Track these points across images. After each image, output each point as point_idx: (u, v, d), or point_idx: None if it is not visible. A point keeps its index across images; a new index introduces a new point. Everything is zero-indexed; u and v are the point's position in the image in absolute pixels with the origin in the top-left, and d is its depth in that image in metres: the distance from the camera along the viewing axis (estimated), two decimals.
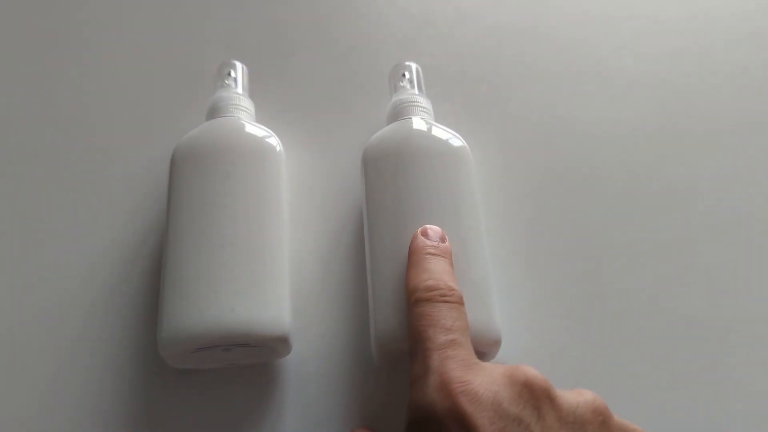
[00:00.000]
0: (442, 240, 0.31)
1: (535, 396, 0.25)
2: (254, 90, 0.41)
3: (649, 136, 0.42)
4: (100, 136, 0.42)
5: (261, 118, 0.40)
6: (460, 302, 0.29)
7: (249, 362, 0.34)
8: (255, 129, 0.36)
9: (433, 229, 0.31)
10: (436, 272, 0.29)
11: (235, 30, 0.47)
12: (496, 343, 0.31)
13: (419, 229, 0.32)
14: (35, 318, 0.36)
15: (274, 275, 0.32)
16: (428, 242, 0.31)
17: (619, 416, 0.27)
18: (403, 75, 0.39)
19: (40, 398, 0.34)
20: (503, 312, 0.34)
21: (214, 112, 0.38)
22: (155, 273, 0.37)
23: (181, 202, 0.34)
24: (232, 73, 0.40)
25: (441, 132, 0.36)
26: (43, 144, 0.42)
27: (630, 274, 0.38)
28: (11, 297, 0.36)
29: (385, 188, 0.34)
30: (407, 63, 0.40)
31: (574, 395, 0.27)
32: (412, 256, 0.31)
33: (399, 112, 0.37)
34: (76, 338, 0.35)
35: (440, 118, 0.39)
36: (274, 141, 0.36)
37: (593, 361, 0.35)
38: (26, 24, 0.47)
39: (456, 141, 0.36)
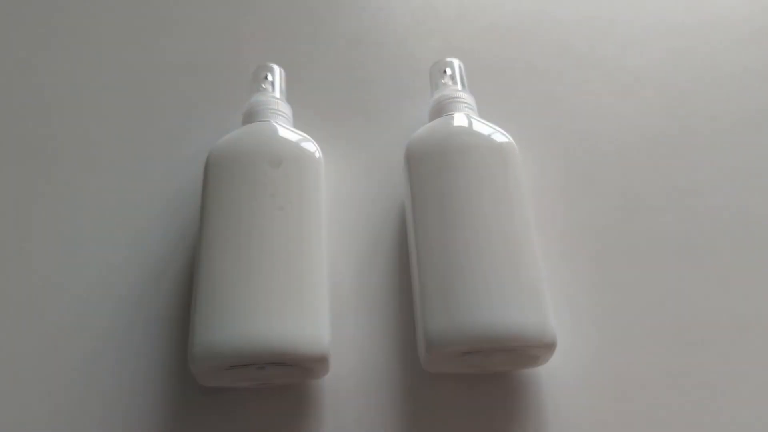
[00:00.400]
0: None
1: None
2: (291, 92, 0.40)
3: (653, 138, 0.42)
4: (133, 139, 0.42)
5: (298, 121, 0.39)
6: None
7: (283, 382, 0.33)
8: (292, 134, 0.35)
9: None
10: None
11: (272, 32, 0.47)
12: (550, 347, 0.30)
13: None
14: (60, 328, 0.35)
15: (313, 290, 0.31)
16: None
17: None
18: (445, 72, 0.38)
19: (64, 413, 0.33)
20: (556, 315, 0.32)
21: (251, 116, 0.37)
22: (188, 283, 0.36)
23: (215, 210, 0.32)
24: (269, 77, 0.39)
25: (486, 128, 0.35)
26: (73, 147, 0.41)
27: (645, 274, 0.36)
28: (38, 305, 0.36)
29: (431, 185, 0.33)
30: (449, 59, 0.39)
31: None
32: None
33: (442, 109, 0.37)
34: (102, 351, 0.34)
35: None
36: (312, 146, 0.35)
37: (654, 368, 0.34)
38: (63, 24, 0.47)
39: (501, 137, 0.35)
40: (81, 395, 0.33)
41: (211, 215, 0.32)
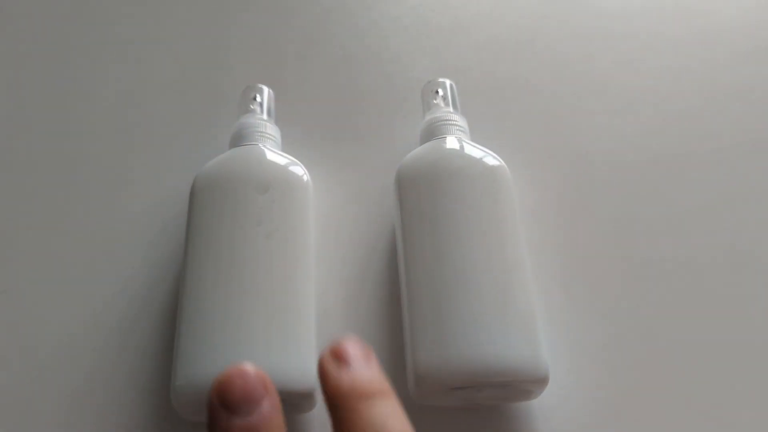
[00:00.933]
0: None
1: None
2: (280, 113, 0.39)
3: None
4: (116, 163, 0.41)
5: (287, 142, 0.39)
6: None
7: None
8: (280, 158, 0.35)
9: (235, 385, 0.19)
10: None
11: (260, 51, 0.46)
12: (543, 381, 0.29)
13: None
14: (44, 360, 0.34)
15: (300, 323, 0.30)
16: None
17: None
18: (437, 92, 0.38)
19: None
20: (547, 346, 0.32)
21: (238, 139, 0.36)
22: (171, 311, 0.35)
23: (200, 238, 0.32)
24: (258, 98, 0.38)
25: (478, 152, 0.34)
26: (55, 170, 0.41)
27: (642, 302, 0.35)
28: (22, 331, 0.35)
29: (421, 211, 0.32)
30: (441, 79, 0.38)
31: None
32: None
33: (433, 131, 0.36)
34: (84, 383, 0.34)
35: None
36: (300, 170, 0.35)
37: (650, 398, 0.33)
38: (44, 48, 0.46)
39: (493, 161, 0.34)
40: (65, 421, 0.32)
41: (195, 243, 0.32)
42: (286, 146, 0.37)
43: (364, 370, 0.20)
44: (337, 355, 0.20)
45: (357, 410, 0.19)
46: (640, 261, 0.36)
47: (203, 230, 0.32)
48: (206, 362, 0.28)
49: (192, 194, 0.34)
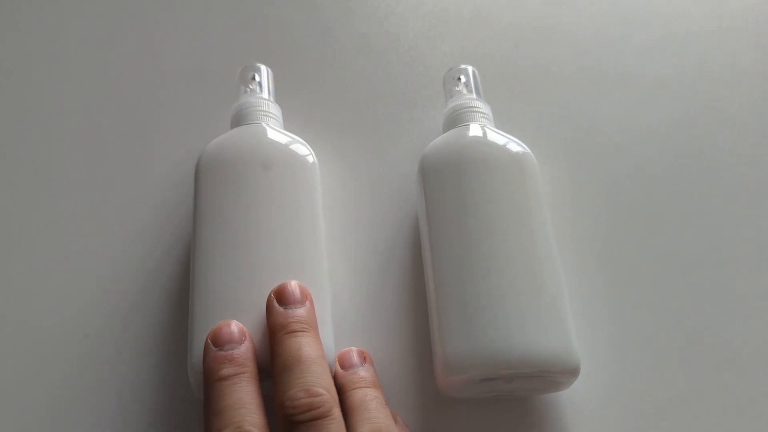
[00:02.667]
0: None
1: None
2: (299, 102, 0.40)
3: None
4: (119, 144, 0.40)
5: (305, 131, 0.38)
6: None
7: None
8: (284, 137, 0.34)
9: (223, 331, 0.28)
10: (230, 412, 0.26)
11: (279, 39, 0.45)
12: (574, 372, 0.29)
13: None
14: (59, 335, 0.34)
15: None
16: (219, 357, 0.27)
17: None
18: (459, 79, 0.37)
19: (57, 414, 0.32)
20: (579, 336, 0.31)
21: (240, 119, 0.35)
22: (183, 291, 0.35)
23: (208, 215, 0.32)
24: (257, 77, 0.38)
25: (503, 139, 0.34)
26: (61, 153, 0.40)
27: (672, 293, 0.36)
28: (36, 311, 0.35)
29: (446, 200, 0.32)
30: (463, 66, 0.38)
31: None
32: (204, 384, 0.27)
33: (457, 119, 0.35)
34: (95, 358, 0.34)
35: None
36: (305, 150, 0.34)
37: (683, 390, 0.33)
38: (49, 30, 0.45)
39: (519, 147, 0.34)
40: (76, 401, 0.32)
41: (202, 222, 0.32)
42: (307, 135, 0.37)
43: (296, 310, 0.28)
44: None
45: (282, 340, 0.27)
46: (670, 252, 0.36)
47: (211, 207, 0.32)
48: None
49: (197, 173, 0.33)
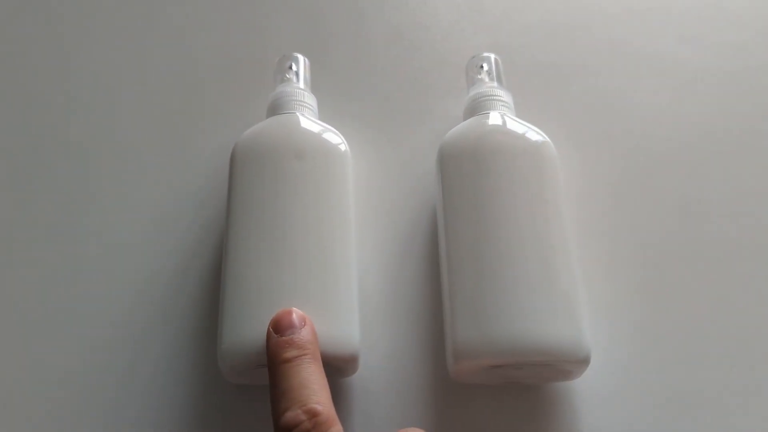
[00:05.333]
0: (300, 325, 0.29)
1: None
2: (324, 87, 0.40)
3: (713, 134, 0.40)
4: (155, 134, 0.42)
5: (330, 116, 0.39)
6: (327, 425, 0.26)
7: None
8: (318, 127, 0.36)
9: (288, 316, 0.29)
10: (293, 393, 0.27)
11: (310, 24, 0.46)
12: (584, 362, 0.30)
13: (271, 322, 0.29)
14: (93, 325, 0.36)
15: (343, 289, 0.32)
16: (281, 342, 0.28)
17: None
18: (481, 67, 0.38)
19: (97, 411, 0.34)
20: (592, 326, 0.32)
21: (275, 108, 0.37)
22: (215, 277, 0.37)
23: (242, 204, 0.33)
24: (294, 67, 0.39)
25: (522, 127, 0.35)
26: (96, 144, 0.42)
27: (691, 285, 0.36)
28: (72, 303, 0.37)
29: (463, 188, 0.33)
30: (485, 54, 0.39)
31: None
32: (269, 369, 0.28)
33: (477, 107, 0.36)
34: (128, 348, 0.35)
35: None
36: (338, 140, 0.35)
37: (695, 382, 0.34)
38: (85, 19, 0.47)
39: (537, 136, 0.34)
40: (116, 388, 0.34)
41: (236, 212, 0.33)
42: (331, 120, 0.38)
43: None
44: (275, 326, 0.29)
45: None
46: (691, 245, 0.37)
47: (244, 195, 0.33)
48: (251, 326, 0.30)
49: (232, 162, 0.35)
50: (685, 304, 0.35)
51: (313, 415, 0.26)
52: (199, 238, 0.38)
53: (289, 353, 0.28)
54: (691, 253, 0.37)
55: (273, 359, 0.28)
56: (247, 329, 0.30)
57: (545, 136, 0.35)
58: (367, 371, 0.34)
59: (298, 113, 0.36)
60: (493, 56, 0.39)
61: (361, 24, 0.46)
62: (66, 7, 0.47)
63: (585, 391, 0.33)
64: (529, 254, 0.31)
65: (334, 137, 0.35)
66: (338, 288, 0.32)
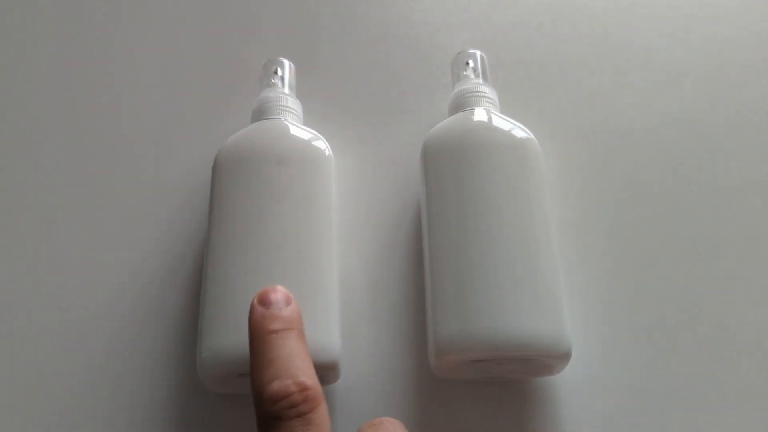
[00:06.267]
0: (287, 302, 0.28)
1: None
2: (306, 86, 0.40)
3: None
4: (138, 138, 0.42)
5: (312, 116, 0.39)
6: (316, 402, 0.25)
7: None
8: (302, 132, 0.36)
9: (274, 293, 0.27)
10: (282, 362, 0.25)
11: (292, 23, 0.46)
12: (565, 356, 0.30)
13: (256, 296, 0.28)
14: (70, 328, 0.36)
15: (323, 297, 0.31)
16: (267, 314, 0.27)
17: None
18: (467, 63, 0.38)
19: (75, 415, 0.34)
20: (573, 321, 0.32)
21: (260, 113, 0.37)
22: (197, 284, 0.37)
23: (223, 211, 0.33)
24: (279, 72, 0.39)
25: (506, 123, 0.35)
26: (79, 148, 0.42)
27: (670, 279, 0.36)
28: (47, 302, 0.37)
29: (446, 184, 0.33)
30: (471, 51, 0.39)
31: None
32: (252, 339, 0.27)
33: (462, 103, 0.36)
34: (109, 352, 0.35)
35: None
36: (322, 144, 0.35)
37: (675, 377, 0.33)
38: (64, 24, 0.47)
39: (522, 133, 0.34)
40: (89, 398, 0.34)
41: (218, 217, 0.33)
42: (313, 120, 0.38)
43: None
44: (261, 300, 0.28)
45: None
46: (675, 242, 0.37)
47: (225, 202, 0.33)
48: (231, 334, 0.29)
49: (215, 168, 0.35)
50: (664, 297, 0.35)
51: (303, 388, 0.25)
52: (181, 244, 0.38)
53: (277, 325, 0.26)
54: (674, 248, 0.37)
55: (258, 330, 0.26)
56: (226, 338, 0.30)
57: (530, 132, 0.35)
58: (351, 368, 0.34)
59: (282, 118, 0.36)
60: (478, 53, 0.39)
61: (346, 22, 0.46)
62: (46, 12, 0.48)
63: (566, 385, 0.33)
64: (511, 249, 0.31)
65: (317, 143, 0.35)
66: (318, 296, 0.31)
